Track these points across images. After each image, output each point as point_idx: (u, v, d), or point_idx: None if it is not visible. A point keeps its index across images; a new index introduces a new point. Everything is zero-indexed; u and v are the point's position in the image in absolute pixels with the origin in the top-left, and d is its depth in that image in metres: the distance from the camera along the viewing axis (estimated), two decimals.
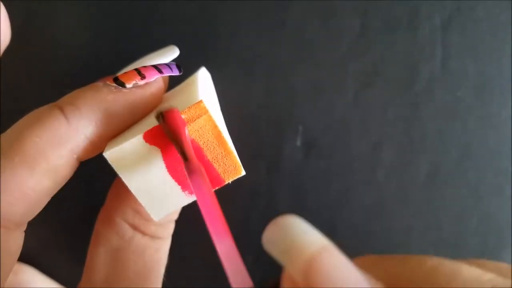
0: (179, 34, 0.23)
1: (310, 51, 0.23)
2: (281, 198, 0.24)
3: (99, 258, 0.19)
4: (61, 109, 0.15)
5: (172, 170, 0.15)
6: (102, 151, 0.15)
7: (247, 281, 0.14)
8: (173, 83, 0.19)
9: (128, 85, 0.16)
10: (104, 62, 0.24)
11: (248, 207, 0.25)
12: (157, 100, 0.17)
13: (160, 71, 0.17)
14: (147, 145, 0.15)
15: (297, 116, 0.24)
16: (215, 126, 0.15)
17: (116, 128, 0.16)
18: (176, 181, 0.15)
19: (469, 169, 0.24)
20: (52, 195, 0.16)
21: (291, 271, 0.12)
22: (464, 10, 0.23)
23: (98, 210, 0.21)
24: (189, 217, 0.21)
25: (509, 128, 0.23)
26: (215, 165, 0.15)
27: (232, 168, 0.15)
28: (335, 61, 0.23)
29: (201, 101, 0.14)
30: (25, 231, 0.16)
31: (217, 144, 0.15)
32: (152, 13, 0.23)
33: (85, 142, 0.15)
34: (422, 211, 0.24)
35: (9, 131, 0.15)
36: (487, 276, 0.11)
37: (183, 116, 0.14)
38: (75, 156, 0.15)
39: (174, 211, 0.20)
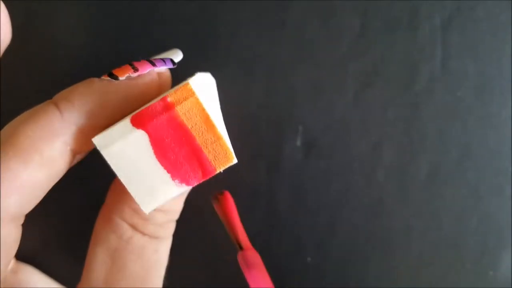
0: (179, 34, 0.23)
1: (310, 51, 0.23)
2: (281, 198, 0.24)
3: (98, 258, 0.19)
4: (55, 104, 0.16)
5: (160, 157, 0.15)
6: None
7: None
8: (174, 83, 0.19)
9: (121, 78, 0.16)
10: (104, 62, 0.24)
11: (248, 207, 0.24)
12: (150, 91, 0.17)
13: (154, 64, 0.17)
14: (135, 129, 0.14)
15: (297, 116, 0.24)
16: (203, 109, 0.14)
17: (109, 119, 0.16)
18: (165, 168, 0.15)
19: (469, 169, 0.24)
20: (48, 188, 0.16)
21: None
22: (464, 10, 0.23)
23: (98, 209, 0.21)
24: (190, 217, 0.21)
25: (509, 128, 0.23)
26: (205, 151, 0.15)
27: (222, 155, 0.15)
28: (335, 61, 0.23)
29: (187, 83, 0.14)
30: (25, 230, 0.16)
31: (206, 128, 0.15)
32: (152, 13, 0.23)
33: (79, 133, 0.16)
34: (422, 211, 0.24)
35: (5, 128, 0.16)
36: None
37: (169, 99, 0.14)
38: (69, 148, 0.16)
39: (174, 211, 0.20)
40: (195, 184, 0.15)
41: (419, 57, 0.23)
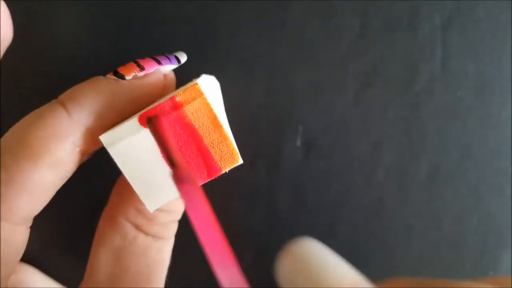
0: (179, 34, 0.23)
1: (310, 51, 0.23)
2: (281, 198, 0.24)
3: (101, 258, 0.19)
4: (62, 104, 0.15)
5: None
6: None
7: None
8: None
9: (128, 77, 0.16)
10: (104, 62, 0.24)
11: (248, 207, 0.24)
12: (156, 90, 0.17)
13: (159, 62, 0.17)
14: (143, 128, 0.14)
15: (297, 116, 0.24)
16: (211, 110, 0.14)
17: (117, 119, 0.16)
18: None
19: (469, 169, 0.24)
20: (57, 189, 0.16)
21: None
22: (464, 10, 0.23)
23: (99, 209, 0.21)
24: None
25: (509, 128, 0.23)
26: (212, 151, 0.15)
27: (228, 155, 0.15)
28: (335, 61, 0.23)
29: (196, 83, 0.14)
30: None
31: (213, 128, 0.15)
32: (152, 13, 0.23)
33: (87, 134, 0.16)
34: (422, 211, 0.24)
35: (12, 128, 0.16)
36: None
37: (177, 99, 0.14)
38: (78, 148, 0.16)
39: (176, 211, 0.20)
40: (200, 184, 0.15)
41: (419, 57, 0.23)
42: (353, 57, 0.23)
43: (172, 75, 0.19)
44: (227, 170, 0.15)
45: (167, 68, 0.18)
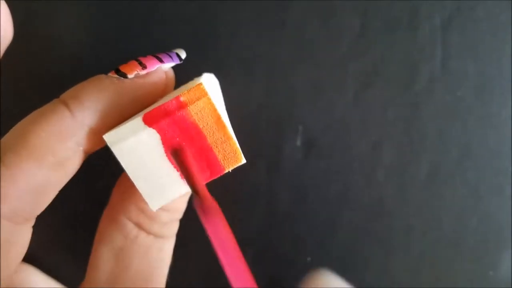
0: (179, 34, 0.23)
1: (310, 51, 0.23)
2: (281, 198, 0.24)
3: (102, 257, 0.19)
4: (65, 103, 0.15)
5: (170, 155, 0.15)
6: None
7: None
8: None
9: (130, 76, 0.16)
10: (104, 62, 0.24)
11: (248, 207, 0.25)
12: (159, 89, 0.17)
13: (161, 60, 0.17)
14: (147, 128, 0.14)
15: (297, 116, 0.24)
16: (215, 110, 0.14)
17: (120, 119, 0.16)
18: (175, 167, 0.15)
19: (469, 169, 0.24)
20: (60, 189, 0.16)
21: None
22: (464, 10, 0.23)
23: (99, 208, 0.21)
24: (191, 217, 0.21)
25: (509, 128, 0.23)
26: (215, 151, 0.15)
27: (232, 154, 0.15)
28: (335, 61, 0.23)
29: (201, 83, 0.14)
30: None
31: (217, 128, 0.15)
32: (152, 13, 0.23)
33: (90, 133, 0.15)
34: (422, 211, 0.24)
35: (15, 127, 0.16)
36: None
37: (182, 99, 0.14)
38: (81, 148, 0.16)
39: (178, 210, 0.20)
40: (203, 182, 0.15)
41: (419, 57, 0.23)
42: (353, 57, 0.23)
43: (172, 73, 0.18)
44: (230, 170, 0.15)
45: (168, 65, 0.18)
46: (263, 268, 0.25)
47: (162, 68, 0.17)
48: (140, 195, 0.17)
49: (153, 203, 0.15)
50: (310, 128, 0.24)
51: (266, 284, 0.25)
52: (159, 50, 0.21)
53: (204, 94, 0.14)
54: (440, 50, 0.23)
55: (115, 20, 0.23)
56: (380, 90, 0.23)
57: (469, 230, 0.24)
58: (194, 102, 0.14)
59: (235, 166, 0.15)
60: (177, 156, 0.14)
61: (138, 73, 0.16)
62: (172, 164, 0.15)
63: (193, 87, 0.14)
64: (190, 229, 0.21)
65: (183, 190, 0.15)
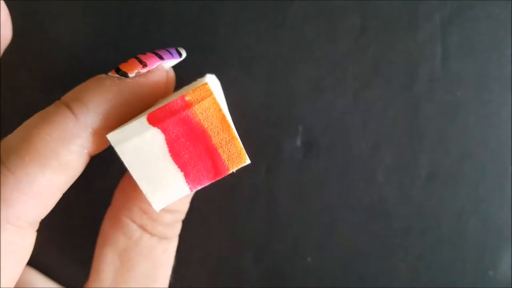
0: (179, 34, 0.23)
1: (310, 51, 0.23)
2: (281, 198, 0.24)
3: (106, 259, 0.19)
4: (68, 106, 0.15)
5: (175, 155, 0.15)
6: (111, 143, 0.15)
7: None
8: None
9: (131, 75, 0.16)
10: (104, 62, 0.24)
11: (248, 207, 0.24)
12: (161, 87, 0.17)
13: (161, 57, 0.17)
14: (151, 127, 0.14)
15: (297, 116, 0.24)
16: (220, 109, 0.14)
17: (122, 119, 0.16)
18: (179, 167, 0.15)
19: (469, 169, 0.24)
20: (64, 191, 0.16)
21: None
22: (464, 10, 0.23)
23: (97, 209, 0.21)
24: (192, 217, 0.21)
25: (509, 128, 0.23)
26: (220, 151, 0.15)
27: (236, 155, 0.15)
28: (335, 61, 0.23)
29: (206, 83, 0.14)
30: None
31: (222, 128, 0.15)
32: (152, 13, 0.23)
33: (94, 135, 0.15)
34: (422, 211, 0.24)
35: (17, 131, 0.15)
36: None
37: (187, 98, 0.14)
38: (85, 150, 0.15)
39: (181, 211, 0.20)
40: (207, 183, 0.15)
41: (419, 57, 0.23)
42: (353, 57, 0.23)
43: (172, 73, 0.18)
44: (234, 170, 0.15)
45: (169, 63, 0.18)
46: (263, 268, 0.25)
47: (163, 66, 0.17)
48: (143, 197, 0.17)
49: (157, 204, 0.15)
50: (310, 128, 0.24)
51: (266, 284, 0.25)
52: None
53: (209, 93, 0.14)
54: (440, 50, 0.23)
55: (115, 20, 0.23)
56: (380, 90, 0.23)
57: (469, 230, 0.24)
58: (199, 102, 0.14)
59: (239, 167, 0.15)
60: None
61: (139, 72, 0.16)
62: (176, 164, 0.15)
63: (198, 87, 0.14)
64: (192, 230, 0.21)
65: (187, 191, 0.15)
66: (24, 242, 0.15)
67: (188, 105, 0.14)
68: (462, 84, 0.23)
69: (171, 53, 0.17)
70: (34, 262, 0.24)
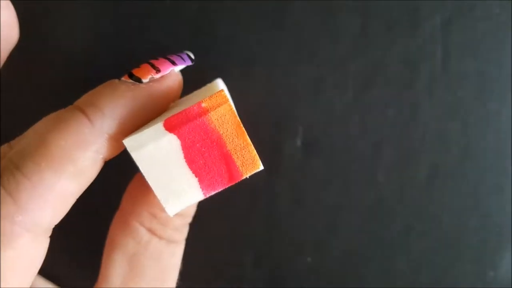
0: (179, 34, 0.23)
1: (310, 51, 0.23)
2: (281, 198, 0.24)
3: (115, 263, 0.19)
4: (82, 111, 0.15)
5: (190, 161, 0.15)
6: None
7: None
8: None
9: (145, 80, 0.16)
10: (104, 63, 0.24)
11: (248, 207, 0.24)
12: (175, 93, 0.17)
13: (174, 63, 0.17)
14: (167, 133, 0.15)
15: (297, 116, 0.24)
16: (235, 116, 0.15)
17: (136, 124, 0.16)
18: (193, 172, 0.15)
19: (469, 169, 0.24)
20: (77, 197, 0.16)
21: None
22: (464, 10, 0.23)
23: (96, 210, 0.21)
24: (194, 219, 0.21)
25: (509, 128, 0.23)
26: (234, 157, 0.15)
27: (250, 161, 0.15)
28: (335, 61, 0.23)
29: (222, 90, 0.15)
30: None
31: (236, 134, 0.15)
32: (152, 13, 0.23)
33: (109, 141, 0.15)
34: (422, 211, 0.24)
35: (28, 135, 0.15)
36: None
37: (203, 105, 0.14)
38: (100, 156, 0.15)
39: (189, 215, 0.20)
40: (221, 189, 0.15)
41: (419, 57, 0.23)
42: (353, 57, 0.23)
43: (180, 77, 0.18)
44: (248, 176, 0.15)
45: (180, 67, 0.18)
46: (263, 268, 0.25)
47: (175, 71, 0.17)
48: (153, 201, 0.17)
49: (171, 208, 0.15)
50: (310, 128, 0.24)
51: (266, 284, 0.25)
52: (159, 51, 0.21)
53: (225, 100, 0.14)
54: (440, 50, 0.23)
55: (115, 20, 0.23)
56: (380, 90, 0.23)
57: (469, 230, 0.24)
58: (215, 109, 0.14)
59: (253, 172, 0.15)
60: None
61: (153, 77, 0.16)
62: (191, 169, 0.15)
63: (215, 94, 0.15)
64: (197, 232, 0.21)
65: (201, 196, 0.15)
66: (39, 249, 0.15)
67: (204, 112, 0.15)
68: (462, 84, 0.23)
69: (182, 58, 0.18)
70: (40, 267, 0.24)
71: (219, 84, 0.19)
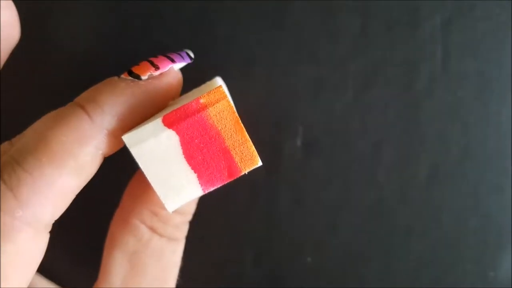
0: (179, 34, 0.23)
1: (310, 51, 0.23)
2: (281, 198, 0.24)
3: (116, 261, 0.19)
4: (82, 107, 0.15)
5: (189, 157, 0.15)
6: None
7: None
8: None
9: (144, 77, 0.16)
10: (104, 63, 0.24)
11: (248, 207, 0.25)
12: (174, 90, 0.17)
13: (172, 60, 0.17)
14: (166, 129, 0.15)
15: (297, 116, 0.24)
16: (234, 112, 0.15)
17: (136, 121, 0.16)
18: (192, 168, 0.15)
19: (469, 169, 0.24)
20: (77, 193, 0.16)
21: None
22: (464, 10, 0.23)
23: (94, 208, 0.21)
24: (192, 217, 0.21)
25: (509, 128, 0.23)
26: (233, 153, 0.15)
27: (249, 157, 0.15)
28: (335, 61, 0.23)
29: (220, 86, 0.15)
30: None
31: (235, 130, 0.15)
32: (152, 13, 0.23)
33: (109, 137, 0.15)
34: (422, 211, 0.24)
35: (29, 132, 0.15)
36: None
37: (201, 101, 0.15)
38: (100, 152, 0.15)
39: (189, 213, 0.20)
40: (220, 185, 0.16)
41: (419, 57, 0.23)
42: (353, 57, 0.23)
43: (180, 75, 0.19)
44: (246, 172, 0.15)
45: (180, 65, 0.18)
46: (263, 268, 0.25)
47: (175, 68, 0.17)
48: (154, 199, 0.17)
49: (170, 205, 0.16)
50: (310, 128, 0.24)
51: (266, 284, 0.25)
52: (159, 51, 0.21)
53: (223, 96, 0.15)
54: (440, 50, 0.23)
55: (115, 20, 0.23)
56: (380, 90, 0.23)
57: (469, 230, 0.24)
58: (213, 104, 0.15)
59: (251, 168, 0.15)
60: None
61: (152, 74, 0.16)
62: (190, 165, 0.15)
63: (213, 90, 0.15)
64: (197, 231, 0.21)
65: (200, 192, 0.16)
66: (39, 244, 0.15)
67: (202, 108, 0.15)
68: (462, 84, 0.23)
69: (182, 56, 0.18)
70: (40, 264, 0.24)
71: (218, 81, 0.19)
